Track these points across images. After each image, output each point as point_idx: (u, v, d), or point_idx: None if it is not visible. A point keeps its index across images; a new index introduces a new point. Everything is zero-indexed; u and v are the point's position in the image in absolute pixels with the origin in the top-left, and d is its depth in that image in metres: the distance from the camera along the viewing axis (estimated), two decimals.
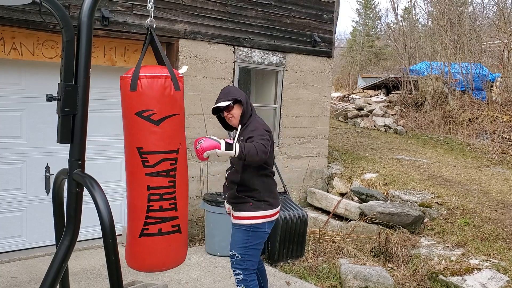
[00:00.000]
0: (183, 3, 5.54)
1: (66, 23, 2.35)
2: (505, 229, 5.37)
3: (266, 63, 6.38)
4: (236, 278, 3.22)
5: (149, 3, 2.65)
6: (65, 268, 2.48)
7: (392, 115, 13.18)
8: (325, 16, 6.90)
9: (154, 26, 2.64)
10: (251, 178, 3.18)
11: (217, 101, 3.25)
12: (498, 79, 13.46)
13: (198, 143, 2.79)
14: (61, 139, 2.35)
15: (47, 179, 5.00)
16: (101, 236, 4.46)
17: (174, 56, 5.60)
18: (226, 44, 5.96)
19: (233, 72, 6.08)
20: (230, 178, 3.27)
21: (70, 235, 2.44)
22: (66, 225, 2.46)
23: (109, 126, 5.27)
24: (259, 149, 2.88)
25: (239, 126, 3.23)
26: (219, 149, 2.78)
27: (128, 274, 4.36)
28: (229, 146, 2.81)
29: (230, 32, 5.97)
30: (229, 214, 3.38)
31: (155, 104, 2.48)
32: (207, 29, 5.76)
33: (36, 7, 2.34)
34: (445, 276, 4.47)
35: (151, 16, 2.63)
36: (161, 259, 2.65)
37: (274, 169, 3.44)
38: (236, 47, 6.06)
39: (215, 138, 2.83)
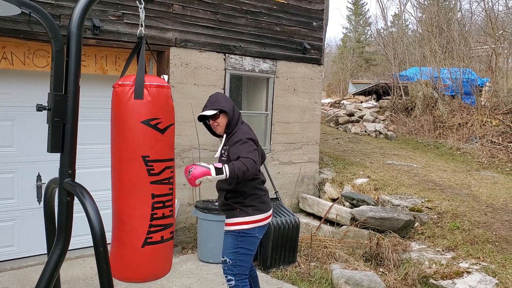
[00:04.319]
0: (174, 11, 5.58)
1: (55, 34, 2.38)
2: (494, 233, 5.43)
3: (257, 70, 6.43)
4: (229, 284, 3.23)
5: (140, 11, 2.69)
6: (56, 277, 2.49)
7: (383, 120, 13.28)
8: (314, 23, 6.98)
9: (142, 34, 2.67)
10: (238, 184, 3.21)
11: (204, 108, 3.32)
12: (487, 84, 13.62)
13: (189, 171, 2.86)
14: (52, 149, 2.36)
15: (38, 188, 4.99)
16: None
17: (165, 64, 5.63)
18: (217, 51, 6.01)
19: (224, 79, 6.12)
20: (218, 186, 3.34)
21: (61, 244, 2.45)
22: (57, 234, 2.47)
23: (100, 134, 5.28)
24: (249, 165, 2.93)
25: (225, 135, 3.31)
26: (210, 175, 2.86)
27: (121, 283, 4.36)
28: (219, 171, 2.89)
29: (221, 40, 6.01)
30: None
31: (161, 113, 2.64)
32: (197, 37, 5.80)
33: (26, 16, 2.36)
34: (435, 280, 4.51)
35: (142, 26, 2.66)
36: (162, 266, 2.72)
37: (266, 174, 3.48)
38: (227, 54, 6.10)
39: (205, 164, 2.91)
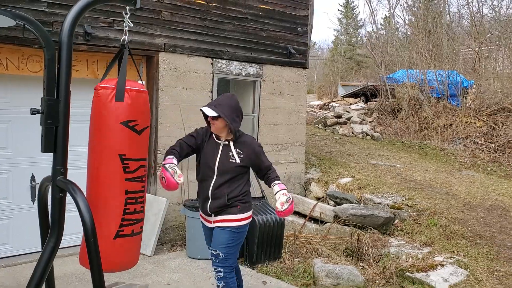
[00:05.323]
0: (163, 18, 5.81)
1: (48, 43, 2.59)
2: (469, 228, 5.70)
3: (244, 74, 6.66)
4: (217, 275, 3.45)
5: (125, 21, 2.92)
6: (50, 268, 2.68)
7: (370, 122, 13.57)
8: (299, 29, 7.23)
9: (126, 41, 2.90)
10: (242, 185, 3.46)
11: (209, 105, 3.44)
12: (474, 86, 13.95)
13: (288, 211, 3.40)
14: (45, 149, 2.57)
15: (32, 188, 5.17)
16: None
17: (155, 68, 5.85)
18: (205, 56, 6.24)
19: (212, 83, 6.35)
20: (215, 190, 3.43)
21: (54, 237, 2.65)
22: (51, 228, 2.67)
23: None
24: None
25: (231, 142, 3.46)
26: (290, 198, 3.43)
27: (112, 278, 4.56)
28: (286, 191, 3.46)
29: (209, 45, 6.24)
30: (209, 222, 3.57)
31: (140, 115, 2.81)
32: (186, 42, 6.03)
33: (21, 25, 2.57)
34: (411, 273, 4.76)
35: (125, 35, 2.89)
36: (131, 258, 2.90)
37: (252, 174, 3.69)
38: (214, 59, 6.33)
39: (285, 196, 3.40)
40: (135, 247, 2.90)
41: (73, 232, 4.83)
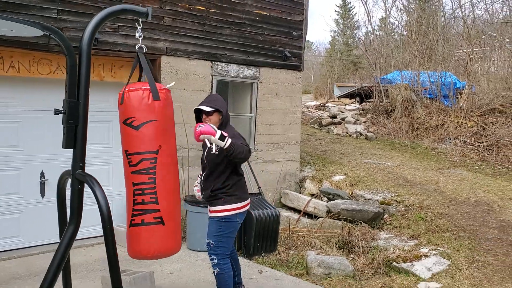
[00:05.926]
0: (165, 23, 6.13)
1: (70, 52, 2.91)
2: (453, 223, 6.05)
3: (242, 76, 7.00)
4: (212, 262, 3.81)
5: (137, 32, 3.25)
6: (69, 251, 3.01)
7: (364, 122, 13.92)
8: (294, 33, 7.57)
9: (145, 50, 3.24)
10: (224, 179, 3.76)
11: (202, 103, 3.82)
12: (466, 87, 14.32)
13: (199, 126, 3.38)
14: (66, 146, 2.89)
15: (42, 184, 5.49)
16: (92, 236, 5.07)
17: (157, 71, 6.17)
18: (204, 59, 6.57)
19: (211, 84, 6.68)
20: (205, 181, 3.83)
21: (74, 224, 2.98)
22: (70, 216, 3.00)
23: (97, 135, 5.79)
24: (246, 151, 3.52)
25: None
26: (214, 136, 3.35)
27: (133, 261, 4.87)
28: (222, 137, 3.38)
29: (208, 49, 6.57)
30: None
31: (135, 112, 3.04)
32: (186, 46, 6.36)
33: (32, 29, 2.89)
34: (397, 263, 5.10)
35: (140, 43, 3.23)
36: (145, 246, 3.08)
37: (249, 172, 4.03)
38: (213, 62, 6.66)
39: (215, 127, 3.44)
40: (149, 236, 3.03)
41: (81, 226, 5.14)
